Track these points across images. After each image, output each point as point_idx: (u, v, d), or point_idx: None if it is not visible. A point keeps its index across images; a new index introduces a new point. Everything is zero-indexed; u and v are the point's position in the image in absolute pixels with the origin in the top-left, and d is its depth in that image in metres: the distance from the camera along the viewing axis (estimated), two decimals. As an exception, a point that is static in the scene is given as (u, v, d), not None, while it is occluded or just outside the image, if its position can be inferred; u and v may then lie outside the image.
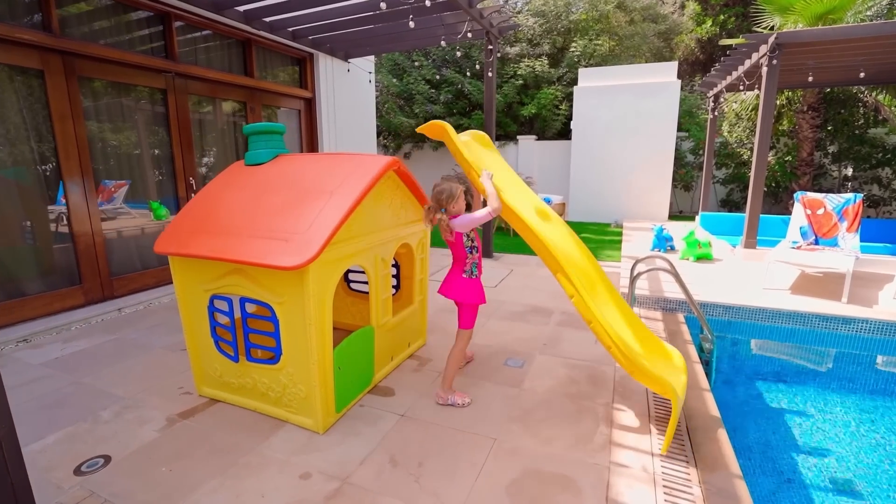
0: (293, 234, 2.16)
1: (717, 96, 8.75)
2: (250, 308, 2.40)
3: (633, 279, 3.91)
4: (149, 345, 3.58)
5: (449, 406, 2.67)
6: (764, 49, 5.55)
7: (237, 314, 2.48)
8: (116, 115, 4.50)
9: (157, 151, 4.91)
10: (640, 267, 4.68)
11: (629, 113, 10.29)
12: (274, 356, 2.38)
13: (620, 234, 9.21)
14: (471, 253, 2.64)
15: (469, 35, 5.35)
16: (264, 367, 2.44)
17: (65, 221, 4.12)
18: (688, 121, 11.36)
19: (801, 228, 5.14)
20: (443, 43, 5.39)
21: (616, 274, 5.82)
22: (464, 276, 2.67)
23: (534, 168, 12.96)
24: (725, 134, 10.58)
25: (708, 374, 3.24)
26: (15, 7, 3.71)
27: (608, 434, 2.39)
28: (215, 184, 2.79)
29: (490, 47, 6.13)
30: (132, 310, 4.37)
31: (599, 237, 8.84)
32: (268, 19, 5.55)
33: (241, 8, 5.18)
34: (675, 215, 11.53)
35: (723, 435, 2.33)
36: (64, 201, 4.09)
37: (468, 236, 2.59)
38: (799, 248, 4.90)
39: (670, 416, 2.43)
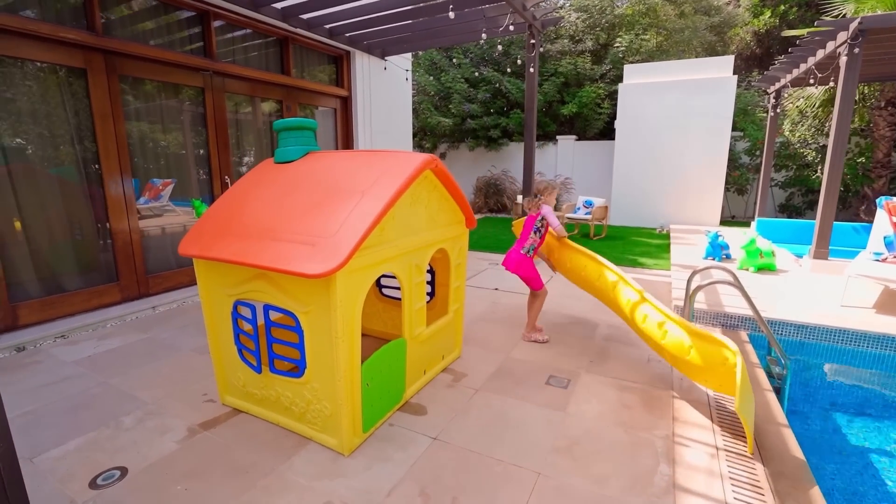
0: (320, 237, 1.97)
1: (779, 92, 8.06)
2: (274, 316, 2.23)
3: (692, 292, 3.52)
4: (178, 345, 3.51)
5: (489, 424, 2.43)
6: (843, 36, 4.97)
7: (260, 321, 2.32)
8: (154, 114, 4.51)
9: (193, 150, 4.91)
10: (698, 279, 4.25)
11: (679, 111, 9.68)
12: (298, 369, 2.20)
13: (668, 239, 8.65)
14: (534, 234, 3.39)
15: (511, 27, 5.07)
16: (288, 380, 2.27)
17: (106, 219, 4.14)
18: (743, 119, 10.59)
19: (885, 238, 4.55)
20: (483, 35, 5.14)
21: (665, 283, 5.39)
22: (521, 251, 3.40)
23: (573, 169, 12.49)
24: (787, 133, 9.78)
25: (781, 403, 2.84)
26: (60, 7, 3.74)
27: (670, 475, 2.07)
28: (243, 182, 2.65)
29: (532, 41, 5.83)
30: (166, 308, 4.36)
31: (645, 242, 8.32)
32: (305, 16, 5.47)
33: (279, 5, 5.12)
34: (727, 220, 10.78)
35: (815, 492, 1.95)
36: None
37: (540, 222, 3.37)
38: (883, 260, 4.33)
39: (745, 447, 2.11)
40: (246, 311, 2.32)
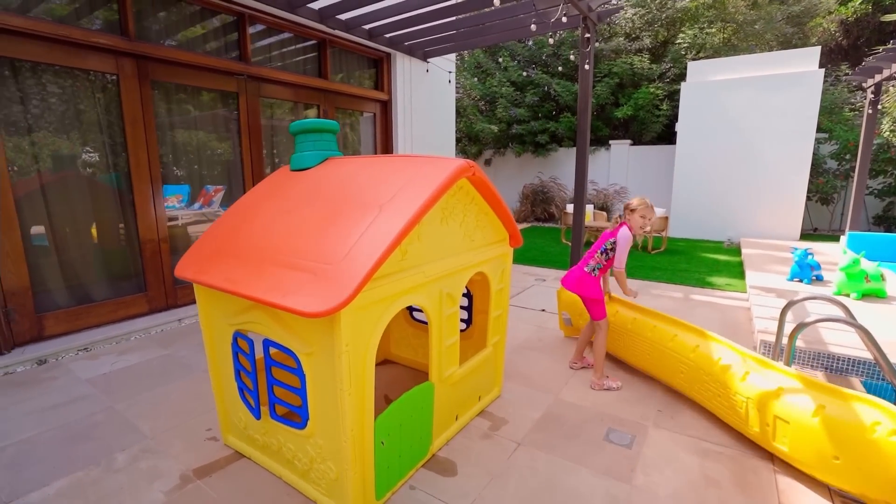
0: (324, 263, 1.57)
1: (878, 86, 6.96)
2: (275, 354, 1.86)
3: (791, 331, 2.83)
4: (195, 366, 3.27)
5: (534, 495, 1.93)
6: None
7: (259, 356, 1.96)
8: (187, 119, 4.38)
9: (226, 155, 4.75)
10: (797, 311, 3.53)
11: (753, 110, 8.67)
12: (300, 419, 1.82)
13: (739, 255, 7.71)
14: (601, 255, 2.86)
15: (564, 19, 4.56)
16: (290, 430, 1.89)
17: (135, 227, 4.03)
18: (828, 119, 9.37)
19: None
20: (532, 27, 4.65)
21: (742, 310, 4.63)
22: (585, 269, 2.88)
23: (628, 177, 11.63)
24: (887, 133, 8.51)
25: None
26: (93, 12, 3.65)
27: None
28: (253, 193, 2.32)
29: (587, 35, 5.26)
30: (191, 321, 4.17)
31: (711, 258, 7.44)
32: (343, 17, 5.22)
33: (316, 5, 4.89)
34: (809, 234, 9.56)
35: None
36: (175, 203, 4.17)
37: (611, 245, 2.84)
38: None
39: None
40: (245, 346, 1.97)
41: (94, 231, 3.84)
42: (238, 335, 1.98)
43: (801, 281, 5.22)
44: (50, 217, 3.54)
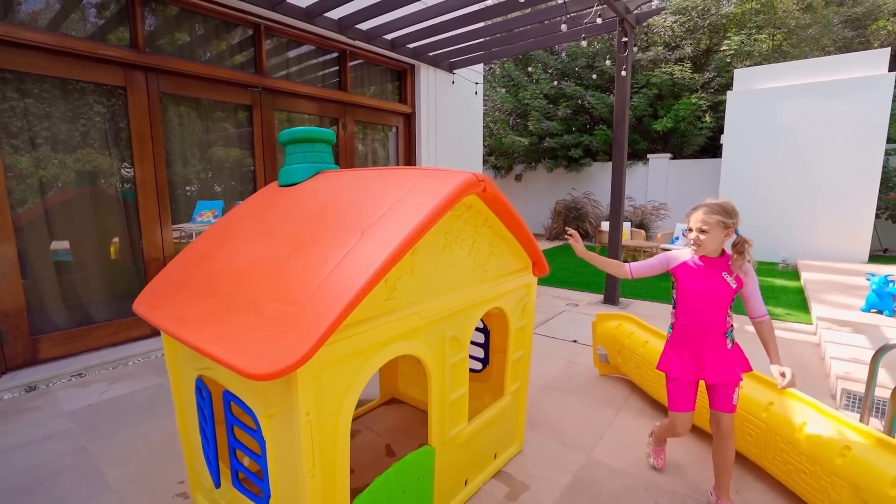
0: (286, 304, 1.22)
1: (963, 91, 6.13)
2: (236, 409, 1.51)
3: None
4: (185, 399, 2.98)
5: None
6: None
7: (219, 411, 1.61)
8: (198, 133, 4.22)
9: (238, 170, 4.56)
10: (893, 357, 2.89)
11: (809, 120, 7.91)
12: (262, 493, 1.45)
13: (797, 278, 6.92)
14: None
15: (599, 20, 4.16)
16: (252, 505, 1.52)
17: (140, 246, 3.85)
18: (897, 129, 8.45)
19: None
20: (563, 27, 4.27)
21: (809, 345, 3.98)
22: (726, 336, 1.91)
23: (667, 193, 10.92)
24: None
25: None
26: (100, 23, 3.55)
27: None
28: (233, 212, 2.02)
29: (624, 39, 4.83)
30: (194, 345, 3.93)
31: (766, 282, 6.69)
32: (364, 27, 5.01)
33: (335, 15, 4.70)
34: (878, 255, 8.57)
35: None
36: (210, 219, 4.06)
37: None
38: None
39: None
40: (204, 395, 1.63)
41: (95, 249, 3.68)
42: (199, 382, 1.64)
43: (880, 312, 4.50)
44: (49, 234, 3.39)
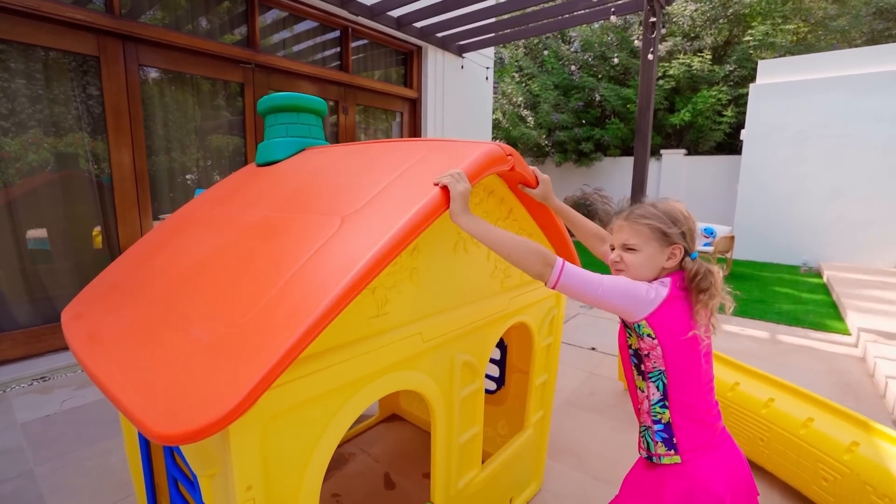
0: (223, 322, 0.85)
1: None
2: (178, 459, 1.14)
3: None
4: (155, 411, 2.62)
5: None
6: None
7: (159, 458, 1.25)
8: (184, 113, 3.83)
9: (228, 153, 4.19)
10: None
11: (838, 115, 7.45)
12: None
13: (823, 283, 6.51)
14: (640, 378, 1.07)
15: (628, -6, 3.75)
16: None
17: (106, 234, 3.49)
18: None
19: None
20: (584, 11, 3.86)
21: (849, 358, 3.60)
22: (639, 450, 1.10)
23: (681, 190, 10.47)
24: None
25: None
26: (73, -18, 3.17)
27: None
28: (201, 198, 1.65)
29: (653, 19, 4.41)
30: (174, 346, 3.58)
31: (789, 285, 6.28)
32: (367, 1, 4.61)
33: (336, -14, 4.30)
34: (905, 259, 8.13)
35: None
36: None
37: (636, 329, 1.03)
38: None
39: None
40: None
41: (65, 238, 3.31)
42: (139, 413, 1.28)
43: (926, 323, 4.09)
44: (11, 222, 3.03)
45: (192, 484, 1.02)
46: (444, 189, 0.97)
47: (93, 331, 1.06)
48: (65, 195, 3.25)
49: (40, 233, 3.20)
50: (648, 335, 0.99)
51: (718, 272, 1.03)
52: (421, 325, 1.10)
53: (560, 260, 1.01)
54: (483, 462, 1.49)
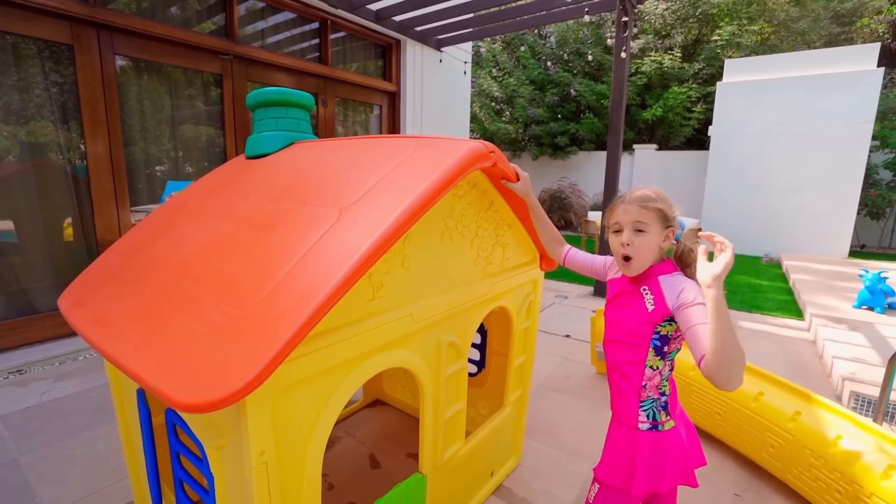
0: (234, 305, 0.93)
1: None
2: (182, 434, 1.21)
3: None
4: (140, 401, 2.64)
5: None
6: None
7: (161, 433, 1.32)
8: (162, 104, 3.79)
9: (206, 146, 4.15)
10: None
11: (798, 114, 7.86)
12: (214, 538, 1.16)
13: (782, 273, 6.91)
14: (659, 358, 1.15)
15: (602, -5, 3.88)
16: (204, 549, 1.23)
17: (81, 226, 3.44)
18: (882, 125, 8.50)
19: None
20: (557, 10, 3.98)
21: (802, 342, 3.89)
22: (640, 425, 1.17)
23: (653, 184, 10.81)
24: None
25: None
26: (44, -32, 3.09)
27: None
28: (190, 190, 1.70)
29: (625, 19, 4.57)
30: (154, 339, 3.57)
31: (751, 276, 6.65)
32: (347, -7, 4.62)
33: (315, -23, 4.29)
34: (856, 251, 8.68)
35: None
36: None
37: (668, 321, 1.11)
38: None
39: None
40: (144, 413, 1.32)
41: (40, 230, 3.25)
42: (140, 395, 1.34)
43: (871, 309, 4.44)
44: (-17, 212, 2.97)
45: (198, 458, 1.10)
46: (439, 185, 1.05)
47: (99, 316, 1.12)
48: (38, 186, 3.19)
49: (9, 225, 3.13)
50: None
51: (696, 248, 1.12)
52: (412, 307, 1.20)
53: (567, 246, 1.43)
54: (466, 437, 1.60)
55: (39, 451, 2.17)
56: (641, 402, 1.17)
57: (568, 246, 1.47)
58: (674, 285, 1.09)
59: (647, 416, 1.17)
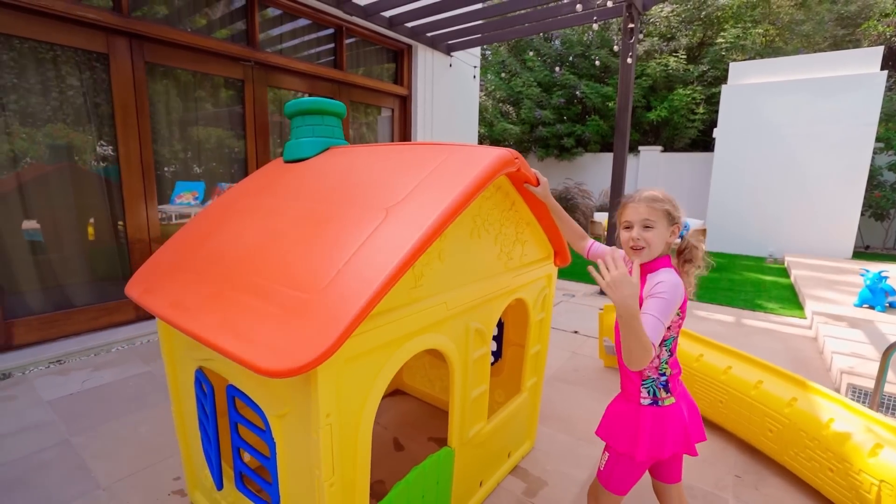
0: (300, 290, 1.08)
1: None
2: (241, 406, 1.37)
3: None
4: (174, 389, 2.81)
5: None
6: None
7: (222, 405, 1.48)
8: (187, 108, 3.97)
9: (228, 148, 4.33)
10: None
11: (801, 116, 7.96)
12: (270, 499, 1.32)
13: (784, 272, 7.01)
14: (666, 347, 1.31)
15: (610, 3, 4.03)
16: (260, 509, 1.39)
17: (122, 226, 3.62)
18: (886, 128, 8.58)
19: None
20: (578, 7, 4.13)
21: (804, 339, 4.01)
22: (642, 400, 1.32)
23: (657, 184, 10.91)
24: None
25: None
26: (82, -19, 3.27)
27: None
28: (236, 189, 1.86)
29: (631, 25, 4.71)
30: (181, 332, 3.74)
31: (755, 276, 6.76)
32: (361, 2, 4.79)
33: (332, -13, 4.47)
34: (860, 251, 8.76)
35: None
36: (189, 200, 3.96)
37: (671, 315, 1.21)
38: None
39: None
40: (206, 389, 1.48)
41: (78, 229, 3.44)
42: (199, 375, 1.50)
43: (872, 308, 4.56)
44: (26, 212, 3.15)
45: (260, 429, 1.26)
46: (473, 187, 1.20)
47: (175, 301, 1.28)
48: (73, 187, 3.37)
49: (45, 223, 3.31)
50: (677, 314, 1.26)
51: (701, 246, 1.30)
52: (446, 296, 1.36)
53: (590, 240, 1.54)
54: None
55: (88, 432, 2.34)
56: (643, 380, 1.32)
57: (591, 240, 1.60)
58: (654, 277, 1.23)
59: (648, 392, 1.32)
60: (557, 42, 12.39)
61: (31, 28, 2.99)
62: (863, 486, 1.64)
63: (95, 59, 3.35)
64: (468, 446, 1.64)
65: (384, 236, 1.13)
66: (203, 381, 1.45)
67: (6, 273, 3.08)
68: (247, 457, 1.95)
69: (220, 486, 1.48)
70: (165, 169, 3.87)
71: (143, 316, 3.76)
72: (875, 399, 2.43)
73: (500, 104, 12.61)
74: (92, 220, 3.52)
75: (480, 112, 12.26)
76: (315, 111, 1.89)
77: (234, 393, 1.34)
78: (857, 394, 2.78)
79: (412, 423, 2.47)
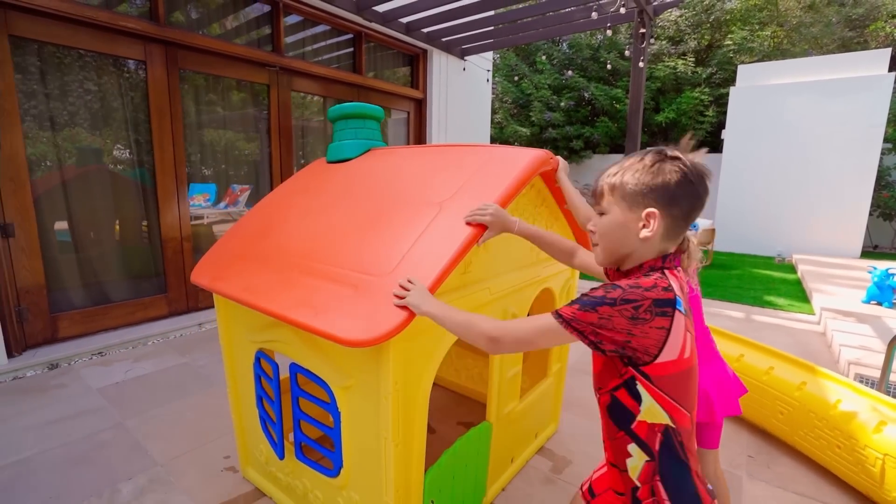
0: (368, 273, 1.24)
1: (961, 91, 6.29)
2: (304, 382, 1.53)
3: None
4: (213, 378, 2.98)
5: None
6: None
7: (285, 381, 1.63)
8: (215, 111, 4.15)
9: (253, 150, 4.52)
10: None
11: (809, 117, 8.05)
12: (332, 465, 1.48)
13: (793, 271, 7.10)
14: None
15: (623, 9, 4.17)
16: (319, 476, 1.54)
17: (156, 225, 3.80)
18: (893, 129, 8.65)
19: None
20: (594, 15, 4.27)
21: (813, 333, 4.11)
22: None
23: (666, 184, 11.03)
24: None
25: None
26: (123, -7, 3.46)
27: None
28: (283, 188, 2.02)
29: (643, 30, 4.85)
30: (212, 326, 3.92)
31: (764, 274, 6.85)
32: (380, 8, 4.95)
33: (354, -6, 4.64)
34: (868, 251, 8.82)
35: None
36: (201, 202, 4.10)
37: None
38: None
39: None
40: (269, 369, 1.64)
41: (114, 228, 3.62)
42: (261, 355, 1.65)
43: (880, 304, 4.65)
44: (69, 212, 3.33)
45: (325, 402, 1.41)
46: (518, 183, 1.34)
47: (247, 286, 1.44)
48: (113, 188, 3.55)
49: (90, 223, 3.49)
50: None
51: (693, 238, 1.31)
52: (489, 282, 1.50)
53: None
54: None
55: (139, 416, 2.51)
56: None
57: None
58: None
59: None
60: (565, 45, 12.54)
61: (77, 37, 3.18)
62: (868, 460, 1.77)
63: (134, 67, 3.53)
64: (503, 421, 1.79)
65: (442, 226, 1.28)
66: (269, 362, 1.60)
67: (51, 269, 3.26)
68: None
69: (281, 455, 1.63)
70: (196, 171, 4.05)
71: (175, 311, 3.94)
72: (881, 387, 2.55)
73: (510, 106, 12.76)
74: (127, 221, 3.70)
75: (491, 114, 12.43)
76: (357, 115, 2.05)
77: (297, 370, 1.49)
78: (865, 383, 2.90)
79: (442, 409, 2.61)
